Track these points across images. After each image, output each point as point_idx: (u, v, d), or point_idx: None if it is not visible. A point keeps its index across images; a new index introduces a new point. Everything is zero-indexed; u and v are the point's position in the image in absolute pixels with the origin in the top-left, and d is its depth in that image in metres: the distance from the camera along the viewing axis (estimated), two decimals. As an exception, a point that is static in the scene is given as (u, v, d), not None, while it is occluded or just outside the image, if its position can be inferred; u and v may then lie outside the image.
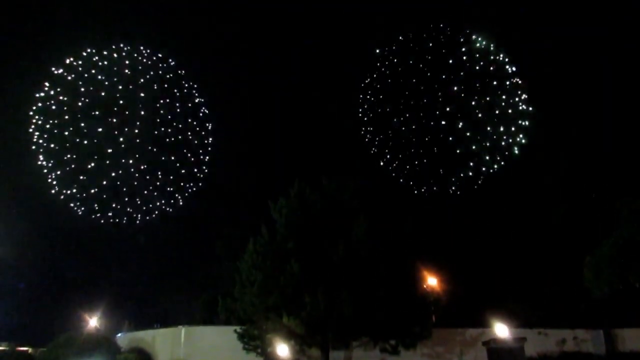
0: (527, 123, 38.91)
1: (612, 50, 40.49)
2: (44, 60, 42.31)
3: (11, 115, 44.67)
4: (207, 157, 47.74)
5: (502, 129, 39.00)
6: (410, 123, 41.82)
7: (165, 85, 44.53)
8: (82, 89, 40.53)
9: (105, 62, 41.47)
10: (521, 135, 38.55)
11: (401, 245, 21.19)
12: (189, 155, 45.67)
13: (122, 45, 42.72)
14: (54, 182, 41.67)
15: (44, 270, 44.97)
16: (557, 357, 22.24)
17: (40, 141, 40.84)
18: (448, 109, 40.21)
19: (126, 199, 45.73)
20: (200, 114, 47.44)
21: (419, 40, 43.39)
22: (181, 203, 46.68)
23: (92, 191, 41.55)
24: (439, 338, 21.84)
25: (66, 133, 40.51)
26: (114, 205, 44.97)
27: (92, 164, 41.35)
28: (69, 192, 41.62)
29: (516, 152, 38.00)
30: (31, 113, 40.98)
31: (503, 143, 38.70)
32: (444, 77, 41.14)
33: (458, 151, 39.22)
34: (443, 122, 40.32)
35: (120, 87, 41.41)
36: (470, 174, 38.44)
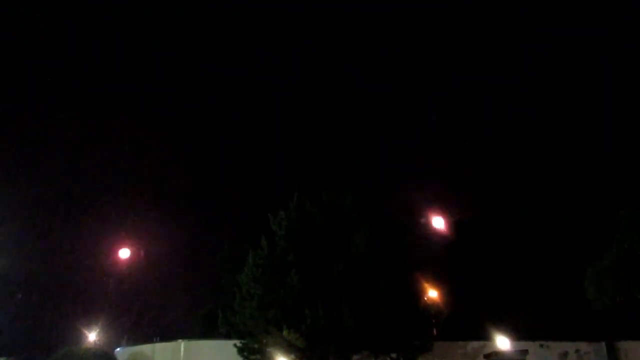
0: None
1: (612, 50, 40.69)
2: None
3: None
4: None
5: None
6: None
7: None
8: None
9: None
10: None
11: (402, 258, 21.15)
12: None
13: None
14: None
15: (41, 283, 44.85)
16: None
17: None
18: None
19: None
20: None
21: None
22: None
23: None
24: (440, 351, 21.68)
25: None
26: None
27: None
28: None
29: None
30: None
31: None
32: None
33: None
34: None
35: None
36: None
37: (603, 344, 22.97)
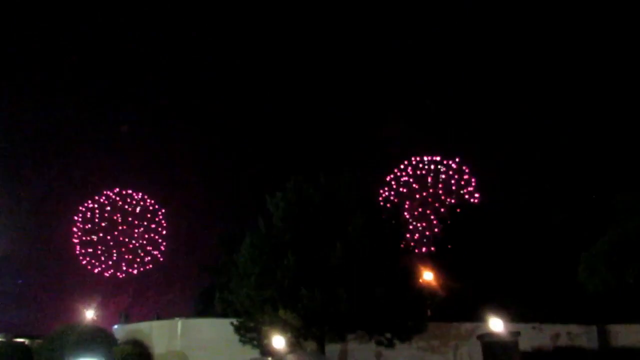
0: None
1: (607, 41, 40.60)
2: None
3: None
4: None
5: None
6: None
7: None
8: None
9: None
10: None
11: (398, 240, 21.26)
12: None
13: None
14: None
15: (40, 264, 45.18)
16: (551, 351, 22.42)
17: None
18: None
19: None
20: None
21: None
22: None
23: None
24: (435, 332, 21.98)
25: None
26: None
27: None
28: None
29: None
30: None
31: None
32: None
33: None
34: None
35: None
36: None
37: (594, 327, 23.28)
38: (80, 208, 44.01)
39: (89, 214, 44.21)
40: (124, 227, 45.17)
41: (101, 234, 44.36)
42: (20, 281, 43.14)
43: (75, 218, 43.62)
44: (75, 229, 43.53)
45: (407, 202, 46.31)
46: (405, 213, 44.93)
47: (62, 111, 51.24)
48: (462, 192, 45.00)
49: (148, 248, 44.98)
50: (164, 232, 45.25)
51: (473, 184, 44.46)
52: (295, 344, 19.58)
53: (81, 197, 45.24)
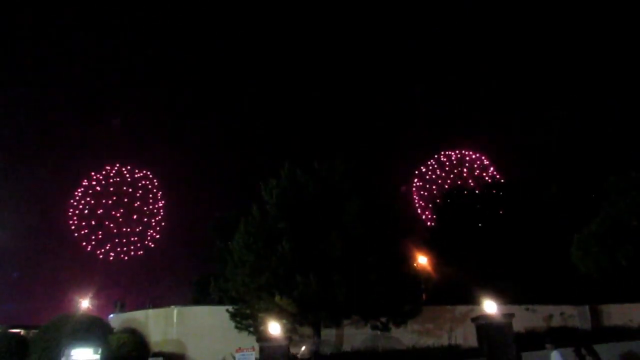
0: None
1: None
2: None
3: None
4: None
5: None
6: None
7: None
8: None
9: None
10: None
11: (393, 225, 21.27)
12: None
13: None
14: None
15: (36, 256, 45.09)
16: (544, 332, 22.66)
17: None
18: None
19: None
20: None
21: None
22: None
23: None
24: (429, 315, 22.14)
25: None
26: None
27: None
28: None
29: None
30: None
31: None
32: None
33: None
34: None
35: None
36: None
37: (587, 307, 23.54)
38: (84, 182, 45.51)
39: (90, 191, 45.76)
40: (121, 210, 46.25)
41: (101, 210, 45.52)
42: (15, 273, 43.12)
43: (82, 187, 44.85)
44: (73, 202, 44.62)
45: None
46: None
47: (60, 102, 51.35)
48: (475, 174, 45.53)
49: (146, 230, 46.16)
50: (160, 218, 46.58)
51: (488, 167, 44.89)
52: (291, 330, 19.67)
53: (80, 175, 47.32)
